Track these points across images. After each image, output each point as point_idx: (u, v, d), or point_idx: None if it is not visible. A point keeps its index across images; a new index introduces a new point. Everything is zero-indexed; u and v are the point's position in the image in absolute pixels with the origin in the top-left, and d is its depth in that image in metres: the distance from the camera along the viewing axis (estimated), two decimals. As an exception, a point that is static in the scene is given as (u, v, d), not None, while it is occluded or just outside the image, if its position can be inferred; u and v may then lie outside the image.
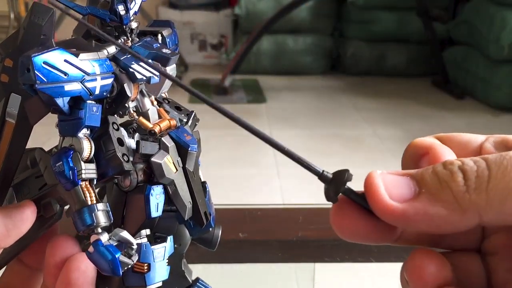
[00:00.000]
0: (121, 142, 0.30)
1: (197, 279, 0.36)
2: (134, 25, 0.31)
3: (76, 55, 0.28)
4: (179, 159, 0.32)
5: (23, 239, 0.31)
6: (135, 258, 0.30)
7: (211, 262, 0.64)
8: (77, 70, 0.28)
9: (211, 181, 0.37)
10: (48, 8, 0.28)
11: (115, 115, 0.31)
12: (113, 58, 0.30)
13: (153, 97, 0.33)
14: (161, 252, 0.32)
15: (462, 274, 0.26)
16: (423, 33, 3.04)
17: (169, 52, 0.31)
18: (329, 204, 0.25)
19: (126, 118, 0.33)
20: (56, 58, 0.27)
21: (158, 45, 0.32)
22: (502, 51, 2.59)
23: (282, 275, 0.79)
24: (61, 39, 0.30)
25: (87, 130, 0.29)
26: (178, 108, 0.35)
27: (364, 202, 0.24)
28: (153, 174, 0.31)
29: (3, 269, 0.35)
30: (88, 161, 0.29)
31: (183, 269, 0.35)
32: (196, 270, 0.37)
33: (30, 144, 0.31)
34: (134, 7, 0.31)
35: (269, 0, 3.23)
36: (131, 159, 0.30)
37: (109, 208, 0.30)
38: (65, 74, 0.27)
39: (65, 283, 0.29)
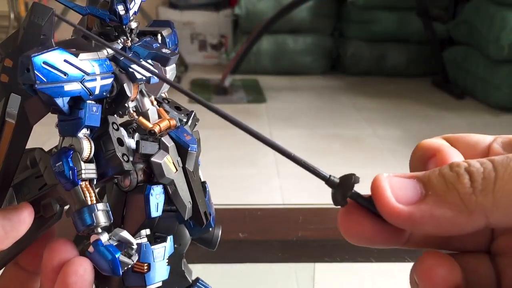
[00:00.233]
0: (121, 142, 0.30)
1: (197, 279, 0.36)
2: (133, 25, 0.31)
3: (76, 55, 0.28)
4: (179, 159, 0.32)
5: (21, 240, 0.31)
6: (135, 258, 0.30)
7: (211, 262, 0.64)
8: (77, 70, 0.28)
9: (211, 181, 0.37)
10: (48, 8, 0.28)
11: (115, 115, 0.31)
12: (113, 58, 0.30)
13: (152, 97, 0.33)
14: (161, 252, 0.32)
15: (471, 276, 0.26)
16: (423, 33, 3.04)
17: (169, 52, 0.32)
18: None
19: (126, 118, 0.33)
20: (55, 58, 0.27)
21: (158, 45, 0.32)
22: (502, 51, 2.59)
23: (282, 275, 0.79)
24: (61, 39, 0.30)
25: (87, 130, 0.29)
26: (178, 108, 0.35)
27: (372, 206, 0.24)
28: (153, 174, 0.31)
29: (1, 272, 0.35)
30: (88, 161, 0.29)
31: (183, 269, 0.35)
32: (196, 270, 0.37)
33: (30, 144, 0.31)
34: (134, 7, 0.31)
35: (269, 0, 3.22)
36: (131, 159, 0.30)
37: (109, 208, 0.30)
38: (65, 74, 0.27)
39: (63, 287, 0.29)
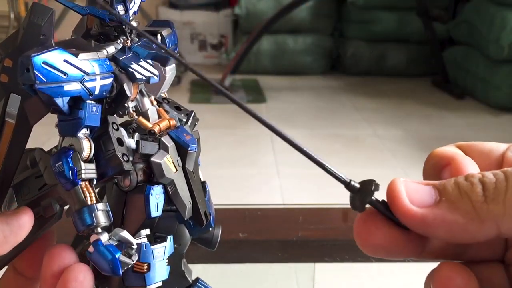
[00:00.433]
0: (120, 142, 0.30)
1: (197, 279, 0.36)
2: (133, 25, 0.31)
3: (76, 55, 0.28)
4: (178, 159, 0.32)
5: (21, 242, 0.31)
6: (135, 258, 0.30)
7: (211, 262, 0.64)
8: (77, 70, 0.28)
9: (211, 181, 0.37)
10: (48, 8, 0.28)
11: (115, 115, 0.31)
12: (112, 58, 0.30)
13: (152, 97, 0.33)
14: (161, 252, 0.32)
15: (486, 285, 0.26)
16: (423, 33, 3.04)
17: (169, 52, 0.31)
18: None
19: (125, 118, 0.33)
20: (55, 58, 0.27)
21: (158, 45, 0.32)
22: (502, 51, 2.59)
23: (282, 275, 0.79)
24: (61, 39, 0.30)
25: (87, 130, 0.29)
26: (177, 108, 0.35)
27: (390, 213, 0.25)
28: (153, 174, 0.31)
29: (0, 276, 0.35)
30: (87, 161, 0.29)
31: (183, 269, 0.35)
32: (196, 270, 0.37)
33: (30, 144, 0.31)
34: (134, 7, 0.31)
35: (269, 0, 3.22)
36: (130, 159, 0.30)
37: (109, 208, 0.30)
38: (65, 74, 0.27)
39: None
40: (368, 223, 0.25)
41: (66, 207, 0.31)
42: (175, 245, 0.33)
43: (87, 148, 0.29)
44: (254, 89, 3.05)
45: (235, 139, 2.24)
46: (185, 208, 0.32)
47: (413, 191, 0.25)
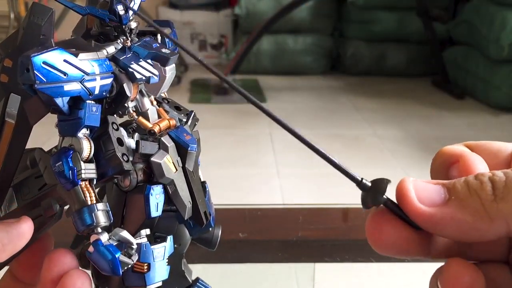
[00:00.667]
0: (120, 142, 0.30)
1: (197, 279, 0.36)
2: (133, 25, 0.31)
3: (76, 55, 0.28)
4: (178, 158, 0.32)
5: None
6: (135, 258, 0.30)
7: (211, 262, 0.64)
8: (77, 70, 0.28)
9: (211, 181, 0.37)
10: (48, 8, 0.28)
11: (115, 115, 0.31)
12: (112, 58, 0.30)
13: (152, 97, 0.33)
14: (161, 252, 0.32)
15: (490, 285, 0.26)
16: (423, 33, 3.04)
17: (169, 52, 0.32)
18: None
19: (125, 118, 0.33)
20: (55, 58, 0.27)
21: (158, 45, 0.32)
22: (502, 51, 2.59)
23: (282, 275, 0.79)
24: (61, 39, 0.30)
25: (87, 130, 0.29)
26: (177, 108, 0.35)
27: (401, 211, 0.25)
28: (152, 174, 0.31)
29: None
30: (87, 161, 0.29)
31: (183, 269, 0.35)
32: (196, 270, 0.37)
33: (30, 144, 0.31)
34: (134, 7, 0.31)
35: (269, 0, 3.22)
36: (130, 159, 0.30)
37: (109, 208, 0.30)
38: (65, 74, 0.27)
39: None
40: (380, 222, 0.26)
41: (66, 207, 0.31)
42: (175, 245, 0.33)
43: (87, 148, 0.29)
44: (254, 89, 3.05)
45: (235, 139, 2.24)
46: (185, 208, 0.32)
47: (422, 190, 0.25)
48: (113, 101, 0.31)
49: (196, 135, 0.34)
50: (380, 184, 0.25)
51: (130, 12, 0.31)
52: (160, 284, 0.32)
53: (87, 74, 0.28)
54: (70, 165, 0.28)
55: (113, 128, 0.30)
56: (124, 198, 0.32)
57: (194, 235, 0.35)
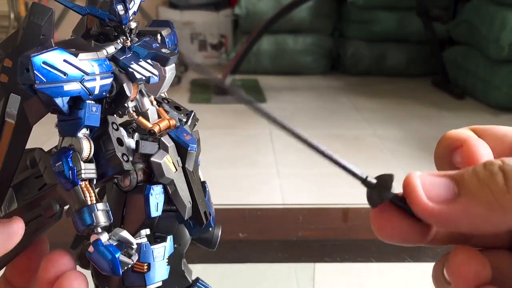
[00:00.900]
0: (120, 142, 0.30)
1: (197, 279, 0.36)
2: (133, 25, 0.31)
3: (75, 55, 0.28)
4: (178, 158, 0.32)
5: (20, 242, 0.30)
6: (135, 257, 0.30)
7: (211, 262, 0.64)
8: (77, 70, 0.28)
9: (211, 181, 0.37)
10: (47, 8, 0.28)
11: (115, 115, 0.31)
12: (112, 58, 0.30)
13: (152, 97, 0.33)
14: (161, 251, 0.32)
15: (494, 273, 0.26)
16: (423, 33, 3.04)
17: (168, 52, 0.32)
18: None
19: (125, 118, 0.33)
20: (55, 58, 0.27)
21: (157, 45, 0.32)
22: (502, 51, 2.59)
23: (282, 275, 0.79)
24: (61, 39, 0.30)
25: (87, 130, 0.29)
26: (177, 108, 0.35)
27: (407, 206, 0.25)
28: (152, 174, 0.31)
29: None
30: (87, 161, 0.29)
31: (183, 269, 0.35)
32: (196, 270, 0.37)
33: (30, 144, 0.31)
34: (133, 7, 0.31)
35: (269, 0, 3.22)
36: (130, 159, 0.30)
37: (109, 208, 0.30)
38: (65, 74, 0.27)
39: None
40: (384, 214, 0.26)
41: (66, 207, 0.31)
42: (175, 245, 0.33)
43: (87, 148, 0.29)
44: (254, 89, 3.05)
45: (235, 139, 2.24)
46: (185, 208, 0.32)
47: (430, 185, 0.24)
48: (113, 101, 0.31)
49: (196, 135, 0.34)
50: (385, 181, 0.25)
51: (130, 12, 0.31)
52: (160, 284, 0.32)
53: (87, 74, 0.28)
54: (70, 165, 0.28)
55: (113, 128, 0.30)
56: (124, 198, 0.32)
57: (194, 235, 0.35)
